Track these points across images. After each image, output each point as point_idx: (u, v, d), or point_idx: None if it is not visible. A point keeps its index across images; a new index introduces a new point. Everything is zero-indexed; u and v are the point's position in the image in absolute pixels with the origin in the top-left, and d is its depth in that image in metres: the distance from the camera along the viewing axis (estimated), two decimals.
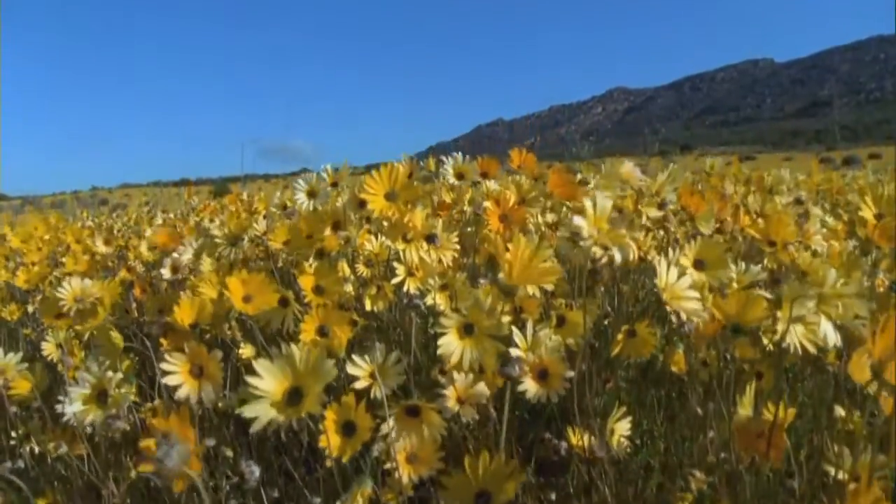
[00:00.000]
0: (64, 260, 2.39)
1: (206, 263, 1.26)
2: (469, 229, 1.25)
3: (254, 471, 0.65)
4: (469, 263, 1.13)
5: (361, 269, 1.15)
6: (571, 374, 0.76)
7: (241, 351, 0.93)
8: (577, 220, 0.69)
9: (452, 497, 0.56)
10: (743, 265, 0.87)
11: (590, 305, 0.98)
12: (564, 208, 1.38)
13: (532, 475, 0.88)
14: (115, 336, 0.87)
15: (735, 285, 0.84)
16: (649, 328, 0.86)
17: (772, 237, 0.90)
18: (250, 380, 0.52)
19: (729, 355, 0.94)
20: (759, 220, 1.50)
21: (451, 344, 0.68)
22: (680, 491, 0.82)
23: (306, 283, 0.89)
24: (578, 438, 0.77)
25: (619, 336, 0.83)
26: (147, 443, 0.53)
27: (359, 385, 0.78)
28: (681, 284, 0.71)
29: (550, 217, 1.34)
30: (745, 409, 0.72)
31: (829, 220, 1.52)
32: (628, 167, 1.30)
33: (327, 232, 1.33)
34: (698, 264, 0.91)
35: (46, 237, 2.18)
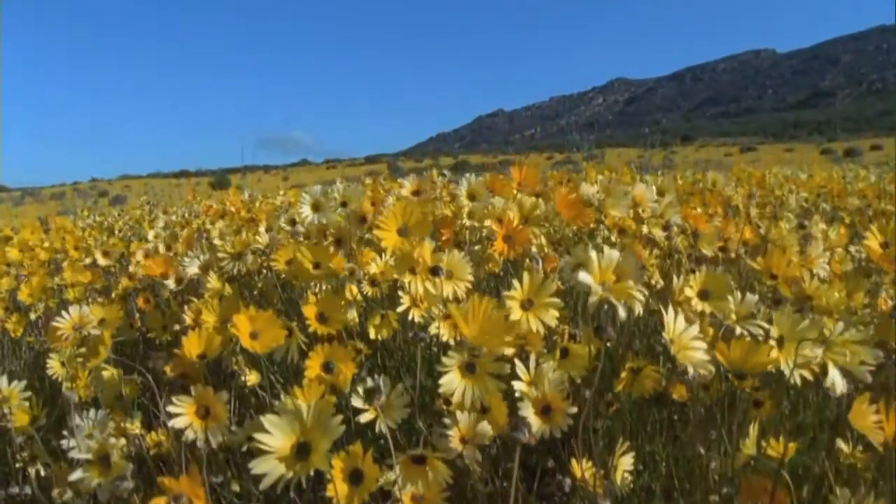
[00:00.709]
0: (65, 265, 2.40)
1: (213, 279, 1.26)
2: (476, 248, 1.25)
3: None
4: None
5: (366, 289, 1.15)
6: (574, 409, 0.76)
7: (246, 378, 0.94)
8: (583, 277, 0.69)
9: None
10: (740, 295, 0.87)
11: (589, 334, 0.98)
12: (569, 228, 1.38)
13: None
14: (116, 374, 0.88)
15: (733, 316, 0.84)
16: (652, 365, 0.86)
17: (773, 271, 0.90)
18: (258, 436, 0.52)
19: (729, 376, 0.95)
20: (761, 230, 1.50)
21: (452, 382, 0.69)
22: None
23: (310, 311, 0.89)
24: (582, 474, 0.77)
25: (623, 374, 0.83)
26: (158, 502, 0.53)
27: (364, 419, 0.78)
28: (688, 334, 0.71)
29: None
30: (748, 450, 0.72)
31: (832, 233, 1.51)
32: (641, 189, 1.29)
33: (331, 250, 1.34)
34: (703, 295, 0.92)
35: (45, 244, 2.17)
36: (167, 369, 0.91)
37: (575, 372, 0.83)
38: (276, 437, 0.52)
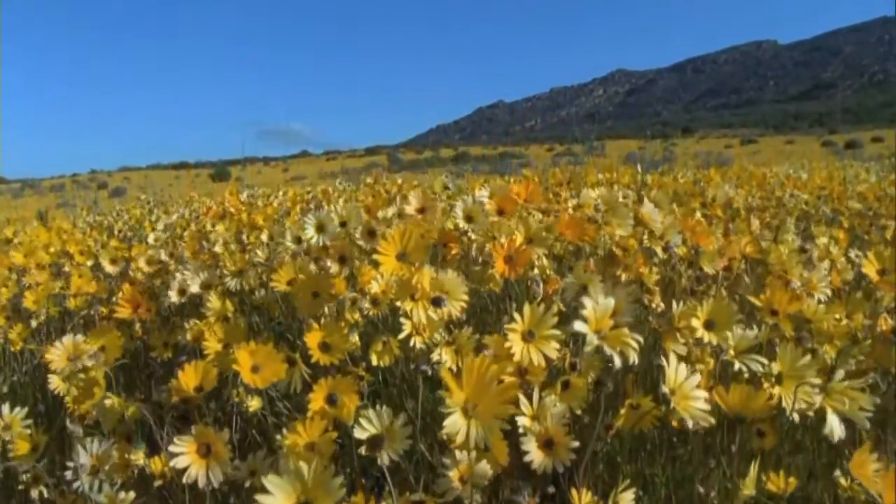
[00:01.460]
0: (67, 268, 2.40)
1: (214, 299, 1.26)
2: (476, 268, 1.25)
3: None
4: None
5: (368, 308, 1.15)
6: (576, 444, 0.77)
7: (248, 405, 0.94)
8: (579, 326, 0.69)
9: None
10: (739, 329, 0.87)
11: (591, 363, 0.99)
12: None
13: None
14: (118, 403, 0.88)
15: (732, 351, 0.84)
16: (651, 394, 0.87)
17: (774, 307, 0.90)
18: (260, 498, 0.52)
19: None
20: (763, 243, 1.50)
21: (456, 424, 0.69)
22: None
23: (312, 340, 0.89)
24: None
25: (622, 410, 0.83)
26: None
27: (364, 451, 0.79)
28: (689, 384, 0.71)
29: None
30: (748, 490, 0.73)
31: (833, 248, 1.51)
32: (648, 209, 1.29)
33: (334, 269, 1.34)
34: (709, 325, 0.92)
35: (51, 249, 2.17)
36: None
37: (576, 404, 0.84)
38: (277, 497, 0.52)
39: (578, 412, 0.85)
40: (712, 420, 0.68)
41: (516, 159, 37.96)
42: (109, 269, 1.80)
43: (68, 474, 0.84)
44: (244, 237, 2.65)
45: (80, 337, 1.00)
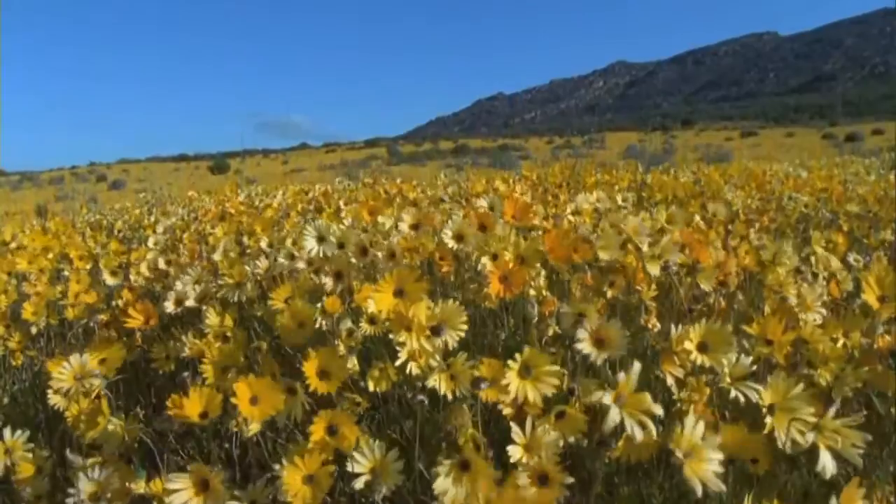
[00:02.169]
0: (67, 272, 2.40)
1: (212, 315, 1.26)
2: (472, 286, 1.25)
3: None
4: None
5: (365, 327, 1.15)
6: (571, 480, 0.77)
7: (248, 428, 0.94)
8: (605, 398, 0.69)
9: None
10: (734, 355, 0.87)
11: (588, 386, 0.99)
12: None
13: None
14: (120, 427, 0.89)
15: (728, 378, 0.85)
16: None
17: (769, 336, 0.91)
18: None
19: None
20: (761, 252, 1.50)
21: (446, 487, 0.70)
22: None
23: (310, 368, 0.89)
24: None
25: (621, 442, 0.84)
26: None
27: (358, 485, 0.79)
28: (706, 446, 0.69)
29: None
30: None
31: (832, 260, 1.52)
32: (634, 223, 1.29)
33: (329, 284, 1.34)
34: (702, 347, 0.92)
35: (49, 255, 2.17)
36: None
37: (571, 434, 0.84)
38: None
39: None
40: (723, 486, 0.67)
41: (516, 152, 37.90)
42: (110, 280, 1.80)
43: (70, 502, 0.85)
44: (244, 239, 2.66)
45: (84, 356, 1.00)
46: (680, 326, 0.97)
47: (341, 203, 3.25)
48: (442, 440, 1.05)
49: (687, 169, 6.83)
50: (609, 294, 1.29)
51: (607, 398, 0.71)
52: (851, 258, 2.19)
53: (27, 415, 1.60)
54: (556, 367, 0.85)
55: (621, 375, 0.74)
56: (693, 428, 0.68)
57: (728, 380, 0.83)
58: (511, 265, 1.15)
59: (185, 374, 1.25)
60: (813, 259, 1.58)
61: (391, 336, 0.94)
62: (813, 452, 0.77)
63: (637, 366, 0.73)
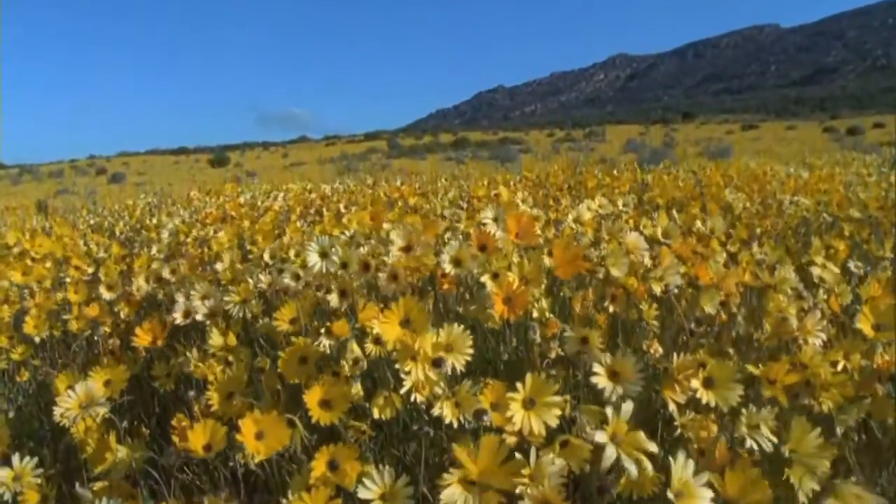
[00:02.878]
0: (68, 280, 2.41)
1: (216, 336, 1.27)
2: (472, 307, 1.26)
3: None
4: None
5: (370, 348, 1.16)
6: None
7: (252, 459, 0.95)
8: (598, 437, 0.70)
9: None
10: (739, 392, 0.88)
11: (590, 414, 1.00)
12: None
13: None
14: (127, 455, 0.89)
15: (744, 427, 0.85)
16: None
17: (772, 377, 0.92)
18: None
19: None
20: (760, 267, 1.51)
21: (454, 495, 0.70)
22: None
23: (312, 398, 0.90)
24: None
25: (623, 480, 0.85)
26: None
27: None
28: (697, 484, 0.70)
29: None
30: None
31: (831, 276, 1.52)
32: (633, 237, 1.30)
33: (334, 301, 1.35)
34: (708, 383, 0.93)
35: (48, 265, 2.18)
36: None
37: (575, 464, 0.85)
38: None
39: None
40: None
41: (516, 145, 37.84)
42: (106, 295, 1.80)
43: None
44: (245, 244, 2.66)
45: (90, 383, 1.01)
46: (681, 355, 0.98)
47: (341, 206, 3.26)
48: (445, 463, 1.06)
49: (688, 167, 6.83)
50: (610, 309, 1.30)
51: (601, 437, 0.72)
52: (852, 265, 2.20)
53: (32, 427, 1.61)
54: (559, 398, 0.85)
55: (625, 407, 0.75)
56: (684, 466, 0.70)
57: (744, 428, 0.84)
58: (515, 286, 1.16)
59: (191, 392, 1.26)
60: (813, 269, 1.58)
61: (395, 358, 0.95)
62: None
63: (629, 405, 0.74)
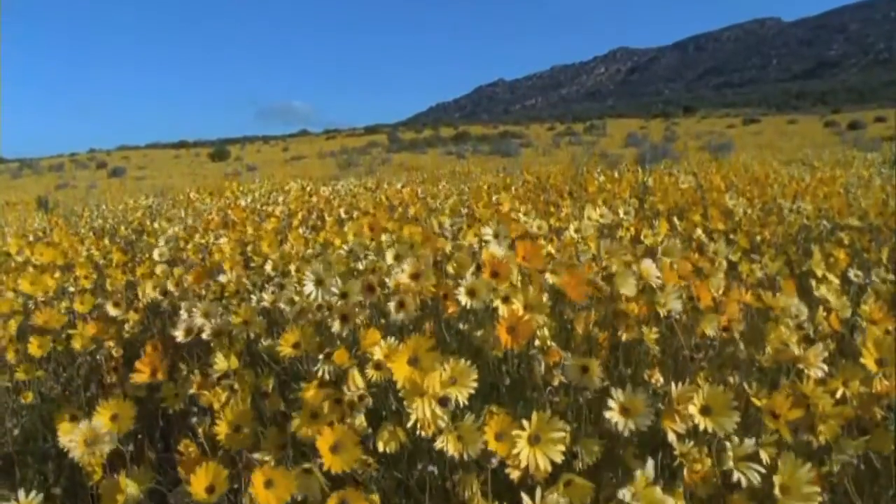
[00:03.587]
0: (73, 289, 2.42)
1: (220, 360, 1.28)
2: (477, 333, 1.27)
3: None
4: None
5: (372, 374, 1.17)
6: None
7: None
8: (626, 496, 0.71)
9: None
10: (737, 440, 0.89)
11: (590, 447, 1.01)
12: None
13: None
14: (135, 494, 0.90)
15: (731, 460, 0.86)
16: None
17: (776, 411, 0.92)
18: None
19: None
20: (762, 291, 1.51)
21: None
22: None
23: (323, 444, 0.91)
24: None
25: None
26: None
27: None
28: None
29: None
30: None
31: (831, 295, 1.53)
32: (647, 264, 1.31)
33: (336, 327, 1.36)
34: (705, 411, 0.94)
35: (56, 275, 2.19)
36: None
37: (578, 502, 0.86)
38: None
39: None
40: None
41: (517, 139, 37.78)
42: (112, 311, 1.81)
43: None
44: (248, 251, 2.67)
45: (96, 422, 1.02)
46: (681, 384, 0.99)
47: (342, 212, 3.27)
48: (448, 490, 1.07)
49: (689, 167, 6.83)
50: (616, 335, 1.31)
51: (627, 495, 0.73)
52: (852, 273, 2.21)
53: (36, 447, 1.63)
54: (564, 434, 0.87)
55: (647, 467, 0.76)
56: None
57: (731, 462, 0.85)
58: (519, 315, 1.17)
59: (194, 418, 1.27)
60: (815, 290, 1.59)
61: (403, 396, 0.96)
62: None
63: (651, 463, 0.75)
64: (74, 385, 1.85)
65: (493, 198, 3.22)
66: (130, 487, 0.91)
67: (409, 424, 0.95)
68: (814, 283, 1.88)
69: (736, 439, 0.88)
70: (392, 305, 1.27)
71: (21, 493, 0.96)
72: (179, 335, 1.58)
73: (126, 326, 1.97)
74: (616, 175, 4.66)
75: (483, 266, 1.26)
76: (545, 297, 1.27)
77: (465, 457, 0.95)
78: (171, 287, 2.00)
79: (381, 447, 0.97)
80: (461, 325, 1.56)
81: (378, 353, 1.20)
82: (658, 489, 0.77)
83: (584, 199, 3.37)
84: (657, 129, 43.45)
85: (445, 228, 1.81)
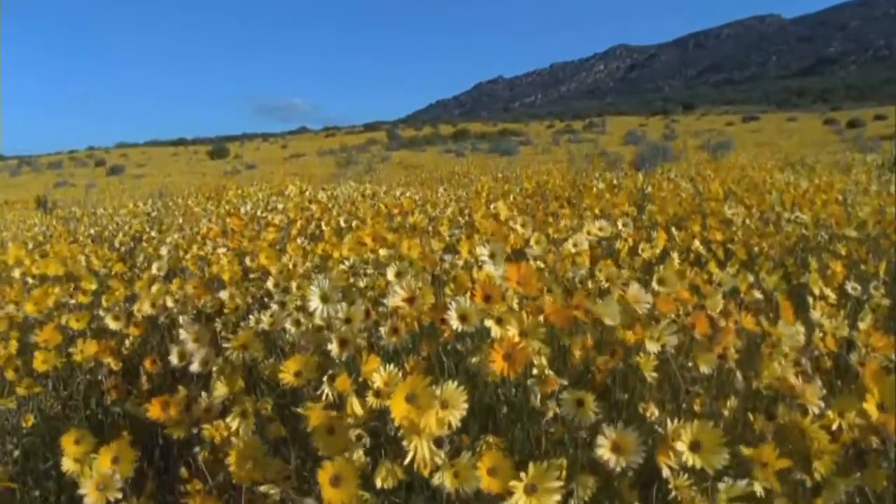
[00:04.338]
0: (73, 302, 2.42)
1: (220, 387, 1.29)
2: (473, 360, 1.28)
3: None
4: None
5: (372, 401, 1.18)
6: None
7: None
8: None
9: None
10: (730, 481, 0.90)
11: (586, 482, 1.02)
12: None
13: None
14: None
15: (723, 496, 0.87)
16: None
17: (764, 460, 0.93)
18: None
19: None
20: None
21: None
22: None
23: (324, 476, 0.92)
24: None
25: None
26: None
27: None
28: None
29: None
30: None
31: (828, 323, 1.54)
32: (634, 289, 1.32)
33: (335, 350, 1.37)
34: (695, 447, 0.95)
35: (55, 290, 2.20)
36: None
37: None
38: None
39: None
40: None
41: (516, 137, 37.78)
42: (112, 325, 1.82)
43: None
44: (247, 261, 2.67)
45: (108, 471, 1.03)
46: (676, 420, 1.00)
47: (341, 221, 3.27)
48: None
49: (687, 172, 6.84)
50: (609, 365, 1.32)
51: None
52: (849, 286, 2.21)
53: (37, 469, 1.63)
54: (560, 484, 0.87)
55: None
56: None
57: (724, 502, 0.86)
58: (515, 342, 1.18)
59: (196, 448, 1.27)
60: (811, 314, 1.60)
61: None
62: None
63: None
64: (74, 403, 1.86)
65: (492, 206, 3.23)
66: None
67: (407, 462, 0.96)
68: (811, 300, 1.90)
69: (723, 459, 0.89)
70: (384, 331, 1.28)
71: None
72: (174, 359, 1.59)
73: (126, 342, 1.98)
74: (615, 181, 4.66)
75: (475, 290, 1.26)
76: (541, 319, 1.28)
77: (462, 493, 0.96)
78: (170, 304, 2.00)
79: (378, 484, 0.98)
80: (458, 346, 1.57)
81: (378, 381, 1.21)
82: None
83: (583, 208, 3.38)
84: (657, 127, 43.47)
85: (444, 257, 1.82)
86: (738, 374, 1.23)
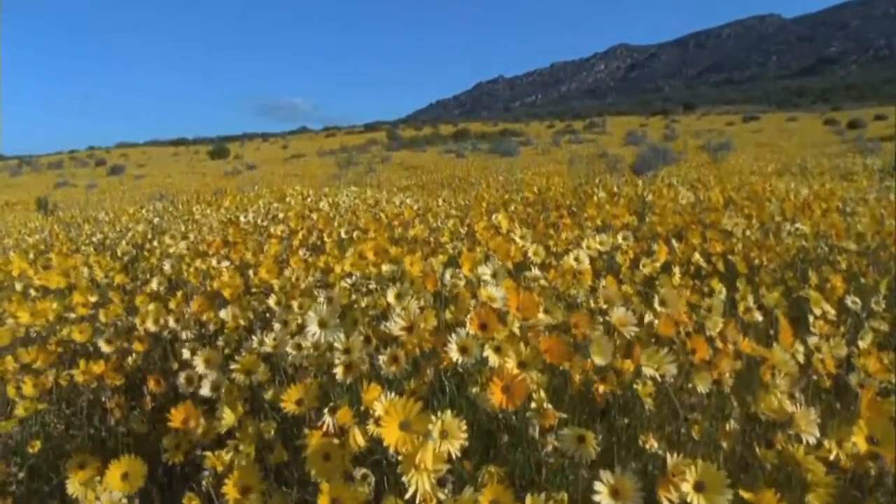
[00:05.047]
0: (73, 316, 2.43)
1: (227, 415, 1.30)
2: (474, 390, 1.29)
3: None
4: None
5: (372, 429, 1.19)
6: None
7: None
8: None
9: None
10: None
11: None
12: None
13: None
14: None
15: None
16: None
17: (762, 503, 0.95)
18: None
19: None
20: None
21: None
22: None
23: (324, 501, 0.93)
24: None
25: None
26: None
27: None
28: None
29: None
30: None
31: (825, 343, 1.55)
32: (621, 313, 1.33)
33: (340, 375, 1.38)
34: (699, 487, 0.96)
35: (54, 306, 2.20)
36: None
37: None
38: None
39: None
40: None
41: (516, 137, 37.76)
42: (105, 349, 1.84)
43: None
44: (249, 272, 2.68)
45: (114, 495, 1.04)
46: (675, 455, 1.01)
47: (342, 232, 3.28)
48: None
49: (688, 173, 6.85)
50: (603, 390, 1.33)
51: None
52: (849, 301, 2.22)
53: (41, 490, 1.65)
54: None
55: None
56: None
57: None
58: (514, 374, 1.19)
59: (204, 472, 1.28)
60: (809, 339, 1.61)
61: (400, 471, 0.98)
62: None
63: None
64: (77, 421, 1.87)
65: (493, 217, 3.24)
66: None
67: (408, 496, 0.97)
68: (811, 318, 1.90)
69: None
70: (383, 360, 1.29)
71: None
72: (181, 382, 1.60)
73: (129, 359, 2.00)
74: (615, 188, 4.67)
75: (473, 318, 1.28)
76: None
77: None
78: (172, 323, 2.01)
79: None
80: (459, 368, 1.58)
81: (379, 409, 1.22)
82: None
83: (584, 217, 3.38)
84: (657, 127, 43.45)
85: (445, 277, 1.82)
86: (734, 401, 1.24)
